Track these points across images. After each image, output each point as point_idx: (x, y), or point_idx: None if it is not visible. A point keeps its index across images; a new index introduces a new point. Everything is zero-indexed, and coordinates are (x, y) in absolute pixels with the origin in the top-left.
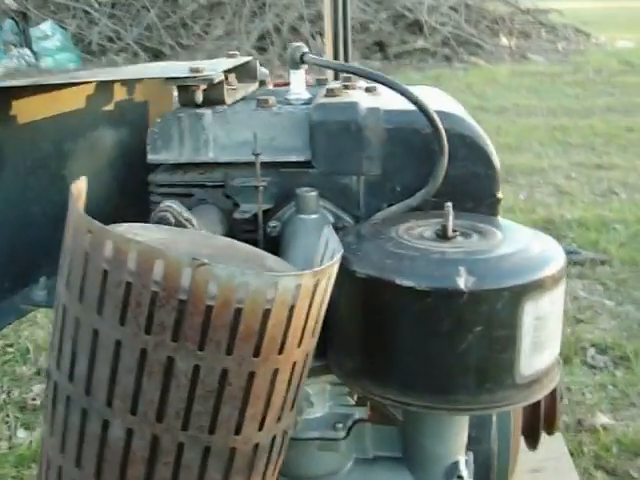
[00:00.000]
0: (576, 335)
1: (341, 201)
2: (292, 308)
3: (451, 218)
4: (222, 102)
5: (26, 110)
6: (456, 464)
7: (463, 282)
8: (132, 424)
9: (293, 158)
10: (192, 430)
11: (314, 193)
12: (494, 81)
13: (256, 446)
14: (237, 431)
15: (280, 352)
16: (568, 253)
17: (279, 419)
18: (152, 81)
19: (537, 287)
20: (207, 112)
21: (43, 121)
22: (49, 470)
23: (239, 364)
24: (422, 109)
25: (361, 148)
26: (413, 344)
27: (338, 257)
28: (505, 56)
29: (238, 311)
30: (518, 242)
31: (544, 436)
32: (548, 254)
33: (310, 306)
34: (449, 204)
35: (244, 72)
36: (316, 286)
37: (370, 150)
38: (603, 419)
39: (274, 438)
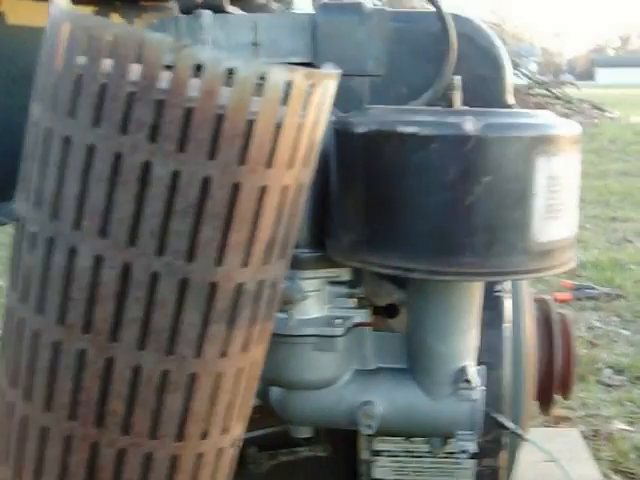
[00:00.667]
0: (592, 357)
1: (344, 104)
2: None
3: (460, 92)
4: (222, 9)
5: (14, 16)
6: (464, 368)
7: (470, 126)
8: (102, 250)
9: (294, 60)
10: (168, 256)
11: None
12: None
13: (240, 287)
14: (219, 262)
15: (269, 166)
16: (583, 289)
17: (267, 261)
18: None
19: (549, 143)
20: (206, 12)
21: (30, 31)
22: (9, 322)
23: (222, 171)
24: (434, 2)
25: (366, 48)
26: (416, 200)
27: (336, 72)
28: None
29: (222, 107)
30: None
31: (559, 431)
32: (563, 121)
33: (304, 117)
34: (458, 77)
35: None
36: (310, 93)
37: (375, 50)
38: (619, 426)
39: (261, 283)
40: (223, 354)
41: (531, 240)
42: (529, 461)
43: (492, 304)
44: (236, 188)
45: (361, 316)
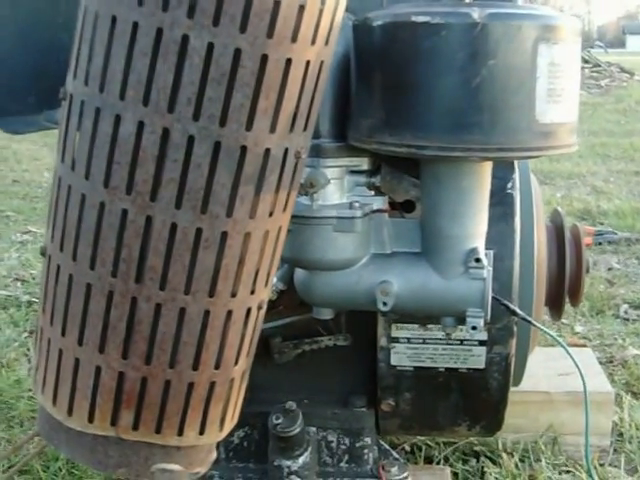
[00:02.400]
0: (610, 294)
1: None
2: None
3: None
4: None
5: None
6: (474, 249)
7: (477, 14)
8: (144, 116)
9: None
10: (203, 120)
11: None
12: None
13: (267, 152)
14: (248, 126)
15: (293, 40)
16: (604, 233)
17: (291, 129)
18: None
19: (551, 31)
20: None
21: None
22: (58, 191)
23: (252, 44)
24: None
25: None
26: (428, 83)
27: None
28: None
29: None
30: None
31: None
32: (565, 15)
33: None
34: None
35: None
36: None
37: None
38: (634, 352)
39: (286, 151)
40: (251, 215)
41: (533, 120)
42: (543, 375)
43: (503, 200)
44: (264, 59)
45: (378, 203)
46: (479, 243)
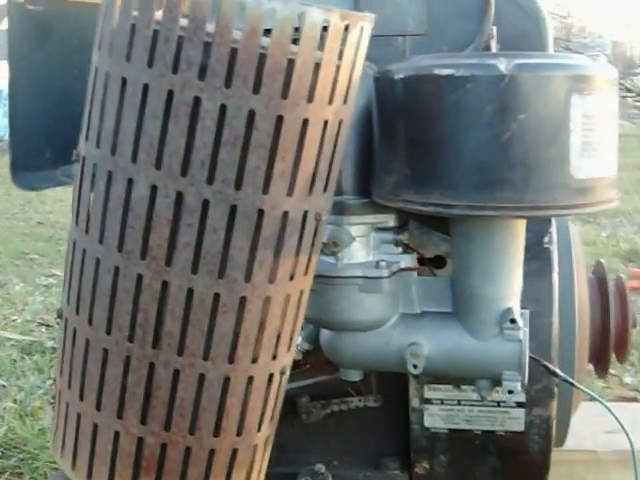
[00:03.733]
0: None
1: (387, 63)
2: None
3: (495, 41)
4: None
5: None
6: (509, 309)
7: (504, 66)
8: (156, 180)
9: None
10: (217, 184)
11: None
12: None
13: (285, 215)
14: (265, 190)
15: (309, 100)
16: None
17: (311, 192)
18: None
19: (584, 81)
20: None
21: (92, 3)
22: (73, 255)
23: (266, 105)
24: None
25: (406, 8)
26: (454, 138)
27: (371, 15)
28: None
29: (265, 47)
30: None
31: (621, 405)
32: (599, 64)
33: (341, 55)
34: (493, 27)
35: None
36: (347, 32)
37: (415, 9)
38: None
39: (306, 214)
40: (271, 280)
41: (568, 176)
42: (589, 432)
43: (539, 254)
44: (279, 120)
45: (406, 261)
46: (514, 303)
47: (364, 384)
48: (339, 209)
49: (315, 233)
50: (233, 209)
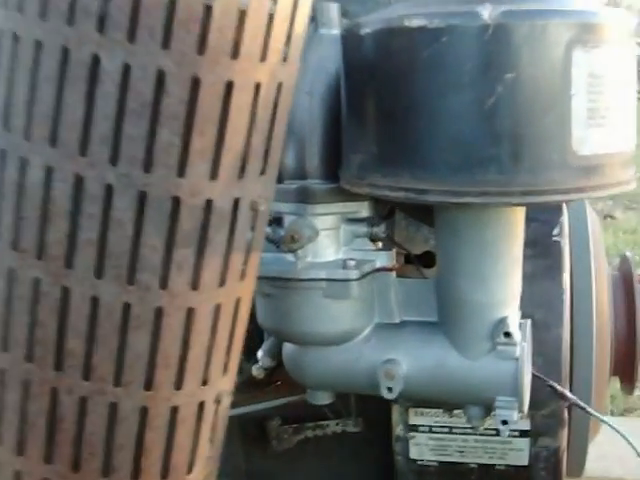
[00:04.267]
0: None
1: None
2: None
3: None
4: None
5: None
6: (503, 320)
7: (487, 13)
8: (52, 160)
9: None
10: (122, 165)
11: (335, 4)
12: None
13: (209, 204)
14: (181, 172)
15: (234, 56)
16: None
17: (242, 175)
18: None
19: (589, 31)
20: None
21: None
22: None
23: (178, 63)
24: None
25: None
26: (428, 105)
27: None
28: None
29: None
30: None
31: None
32: (609, 9)
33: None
34: None
35: None
36: None
37: None
38: None
39: (237, 202)
40: (194, 286)
41: (570, 152)
42: (617, 456)
43: (548, 250)
44: (196, 83)
45: (383, 259)
46: (510, 311)
47: (343, 405)
48: (301, 196)
49: (253, 227)
50: (142, 196)
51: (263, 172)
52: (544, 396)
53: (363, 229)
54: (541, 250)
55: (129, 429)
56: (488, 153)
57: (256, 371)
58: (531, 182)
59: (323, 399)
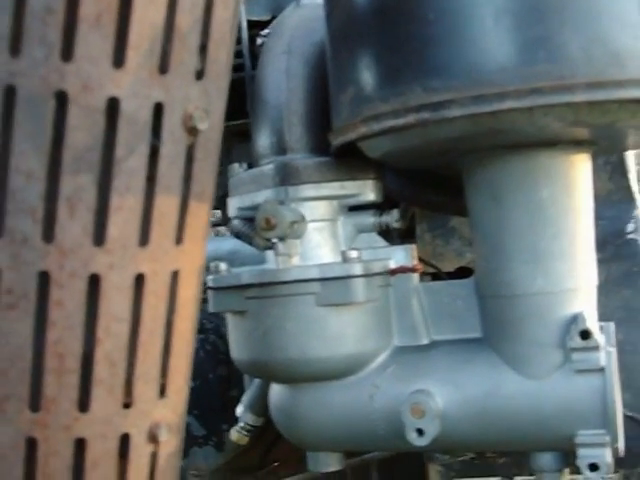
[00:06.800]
0: None
1: None
2: None
3: None
4: None
5: None
6: (578, 316)
7: None
8: None
9: None
10: None
11: None
12: None
13: (113, 105)
14: (65, 52)
15: None
16: None
17: (163, 67)
18: None
19: None
20: None
21: None
22: None
23: None
24: None
25: None
26: None
27: None
28: None
29: None
30: None
31: None
32: None
33: None
34: None
35: None
36: None
37: None
38: None
39: (159, 109)
40: (98, 241)
41: None
42: None
43: (622, 250)
44: None
45: (400, 256)
46: (585, 304)
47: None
48: (281, 176)
49: (191, 157)
50: (9, 92)
51: (201, 75)
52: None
53: (369, 220)
54: (613, 251)
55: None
56: (532, 34)
57: (236, 435)
58: (598, 69)
59: (328, 464)
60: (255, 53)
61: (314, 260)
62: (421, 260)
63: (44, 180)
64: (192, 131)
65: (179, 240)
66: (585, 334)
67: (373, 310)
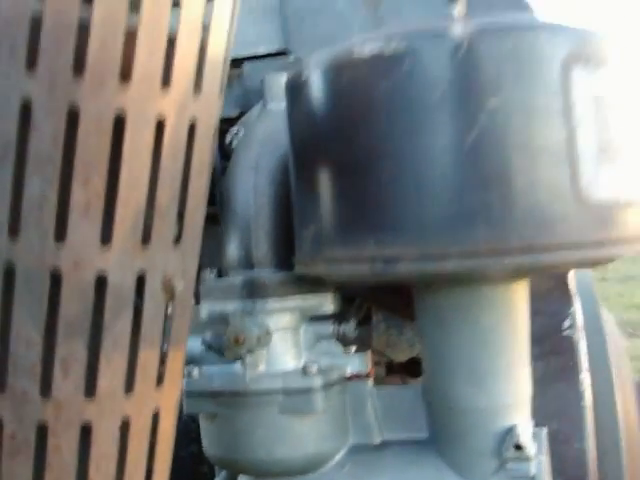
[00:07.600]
0: None
1: None
2: None
3: None
4: None
5: None
6: (512, 429)
7: (459, 30)
8: None
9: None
10: None
11: (284, 77)
12: None
13: (101, 280)
14: (59, 235)
15: (125, 79)
16: None
17: (147, 238)
18: None
19: (588, 46)
20: None
21: None
22: None
23: (49, 90)
24: None
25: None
26: (391, 151)
27: None
28: None
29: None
30: None
31: None
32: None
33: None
34: None
35: None
36: None
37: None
38: None
39: (141, 280)
40: (88, 393)
41: (578, 197)
42: None
43: (558, 347)
44: (72, 116)
45: (355, 364)
46: (519, 417)
47: None
48: (248, 290)
49: (169, 314)
50: (9, 270)
51: (178, 239)
52: None
53: (328, 328)
54: (550, 347)
55: None
56: (473, 202)
57: None
58: (532, 236)
59: None
60: (225, 149)
61: (279, 366)
62: (375, 350)
63: (41, 345)
64: (170, 291)
65: (159, 383)
66: (518, 447)
67: (331, 414)
